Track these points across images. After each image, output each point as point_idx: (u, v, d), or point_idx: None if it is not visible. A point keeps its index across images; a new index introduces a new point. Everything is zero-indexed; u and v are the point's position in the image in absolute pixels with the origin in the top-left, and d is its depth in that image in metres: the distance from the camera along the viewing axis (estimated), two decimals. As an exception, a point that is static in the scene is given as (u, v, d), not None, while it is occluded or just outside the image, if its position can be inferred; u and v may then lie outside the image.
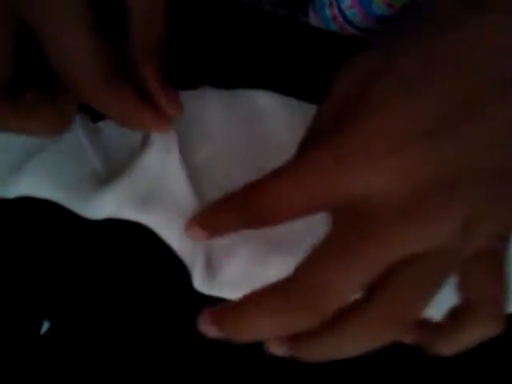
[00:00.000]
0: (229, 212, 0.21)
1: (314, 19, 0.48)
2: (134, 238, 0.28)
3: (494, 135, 0.18)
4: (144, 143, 0.27)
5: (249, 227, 0.21)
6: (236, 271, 0.27)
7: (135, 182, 0.26)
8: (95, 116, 0.28)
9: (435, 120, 0.18)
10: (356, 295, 0.19)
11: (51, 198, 0.26)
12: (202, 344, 0.27)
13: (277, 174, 0.20)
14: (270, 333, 0.19)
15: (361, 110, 0.19)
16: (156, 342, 0.27)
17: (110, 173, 0.27)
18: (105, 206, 0.26)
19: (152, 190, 0.27)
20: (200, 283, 0.27)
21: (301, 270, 0.19)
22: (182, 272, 0.28)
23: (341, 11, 0.39)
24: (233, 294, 0.27)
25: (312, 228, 0.27)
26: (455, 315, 0.21)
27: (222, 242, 0.27)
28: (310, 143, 0.21)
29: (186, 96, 0.28)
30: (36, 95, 0.20)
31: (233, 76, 0.29)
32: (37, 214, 0.28)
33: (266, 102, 0.29)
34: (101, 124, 0.28)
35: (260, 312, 0.19)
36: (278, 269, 0.27)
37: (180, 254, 0.27)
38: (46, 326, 0.27)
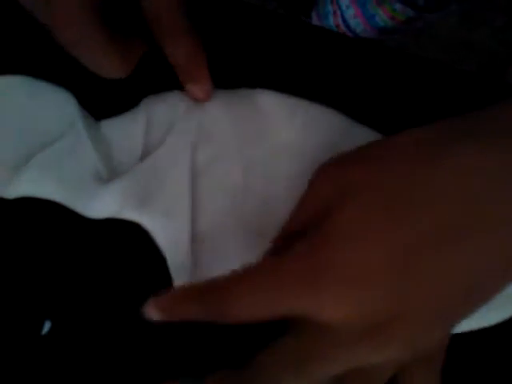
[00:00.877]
0: (188, 302, 0.22)
1: (316, 23, 0.48)
2: (136, 239, 0.28)
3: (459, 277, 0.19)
4: (147, 142, 0.28)
5: (207, 319, 0.22)
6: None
7: (141, 182, 0.27)
8: (97, 114, 0.28)
9: (408, 254, 0.19)
10: None
11: (52, 197, 0.26)
12: (204, 345, 0.27)
13: (249, 271, 0.22)
14: None
15: (338, 228, 0.20)
16: (158, 342, 0.27)
17: (111, 172, 0.27)
18: (108, 203, 0.26)
19: (157, 191, 0.27)
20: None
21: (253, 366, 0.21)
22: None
23: (344, 20, 0.40)
24: None
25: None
26: None
27: (218, 249, 0.27)
28: (286, 242, 0.23)
29: (186, 96, 0.28)
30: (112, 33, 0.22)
31: (234, 75, 0.29)
32: (38, 214, 0.28)
33: (267, 101, 0.29)
34: (103, 123, 0.28)
35: None
36: None
37: (168, 259, 0.27)
38: (47, 326, 0.27)
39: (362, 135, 0.28)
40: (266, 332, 0.22)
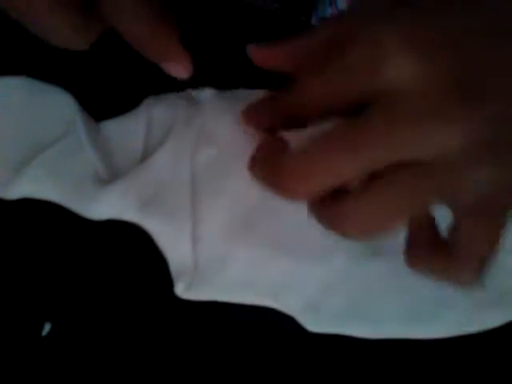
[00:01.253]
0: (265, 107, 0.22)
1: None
2: (136, 241, 0.28)
3: None
4: (148, 143, 0.28)
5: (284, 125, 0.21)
6: (236, 273, 0.27)
7: (143, 183, 0.27)
8: (97, 115, 0.28)
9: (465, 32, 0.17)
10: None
11: (53, 198, 0.26)
12: (201, 347, 0.27)
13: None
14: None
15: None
16: (158, 344, 0.27)
17: (111, 173, 0.27)
18: (108, 205, 0.26)
19: (158, 193, 0.27)
20: (183, 289, 0.27)
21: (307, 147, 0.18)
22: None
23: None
24: (232, 295, 0.27)
25: (312, 230, 0.27)
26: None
27: (219, 249, 0.27)
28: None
29: (186, 97, 0.28)
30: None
31: (234, 76, 0.29)
32: (38, 216, 0.28)
33: None
34: (103, 124, 0.28)
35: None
36: (279, 270, 0.27)
37: (169, 261, 0.27)
38: (47, 327, 0.27)
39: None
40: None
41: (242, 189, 0.28)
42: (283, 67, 0.22)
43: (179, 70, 0.23)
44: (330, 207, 0.19)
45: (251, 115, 0.24)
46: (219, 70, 0.29)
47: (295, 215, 0.28)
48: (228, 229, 0.27)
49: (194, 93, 0.28)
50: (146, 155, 0.27)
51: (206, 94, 0.29)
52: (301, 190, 0.19)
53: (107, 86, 0.29)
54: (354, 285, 0.27)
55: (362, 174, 0.18)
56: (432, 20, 0.18)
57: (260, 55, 0.23)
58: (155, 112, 0.27)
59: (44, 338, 0.27)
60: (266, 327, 0.28)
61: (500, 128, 0.17)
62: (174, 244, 0.27)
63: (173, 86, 0.28)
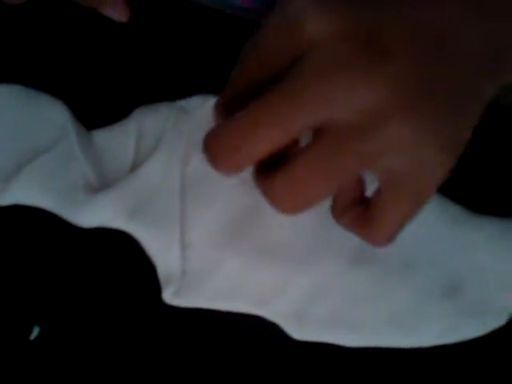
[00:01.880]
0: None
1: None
2: (125, 248, 0.28)
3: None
4: (138, 152, 0.28)
5: None
6: (224, 280, 0.28)
7: (132, 192, 0.27)
8: (89, 124, 0.29)
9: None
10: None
11: (43, 205, 0.27)
12: (190, 353, 0.28)
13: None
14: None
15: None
16: (146, 349, 0.28)
17: (102, 181, 0.27)
18: (98, 213, 0.27)
19: (147, 201, 0.27)
20: (171, 296, 0.27)
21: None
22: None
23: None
24: (219, 302, 0.28)
25: (299, 239, 0.28)
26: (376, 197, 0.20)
27: (207, 257, 0.28)
28: None
29: (176, 106, 0.29)
30: None
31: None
32: (29, 222, 0.28)
33: None
34: (94, 132, 0.28)
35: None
36: (266, 278, 0.28)
37: (157, 267, 0.27)
38: (36, 331, 0.27)
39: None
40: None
41: (231, 196, 0.28)
42: None
43: (116, 13, 0.24)
44: (263, 182, 0.19)
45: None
46: (211, 77, 0.29)
47: (283, 223, 0.28)
48: (216, 236, 0.28)
49: (182, 102, 0.29)
50: (136, 164, 0.28)
51: (195, 102, 0.29)
52: (227, 162, 0.19)
53: (99, 94, 0.29)
54: (339, 293, 0.27)
55: (285, 141, 0.18)
56: None
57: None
58: (145, 121, 0.28)
59: (32, 341, 0.27)
60: (253, 334, 0.28)
61: (410, 84, 0.17)
62: (162, 251, 0.27)
63: (164, 96, 0.29)
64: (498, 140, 0.29)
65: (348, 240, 0.27)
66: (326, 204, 0.27)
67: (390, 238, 0.20)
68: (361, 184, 0.21)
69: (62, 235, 0.28)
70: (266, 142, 0.18)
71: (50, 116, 0.28)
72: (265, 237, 0.28)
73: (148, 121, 0.28)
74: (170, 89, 0.30)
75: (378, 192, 0.19)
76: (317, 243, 0.28)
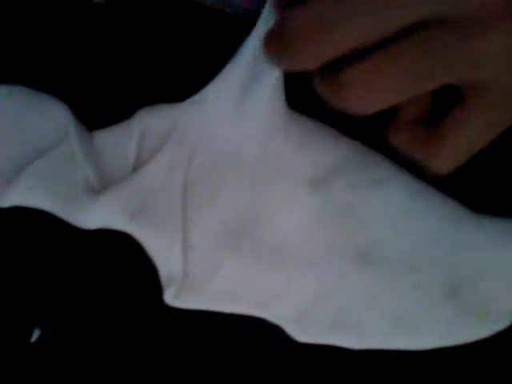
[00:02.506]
0: None
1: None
2: (126, 249, 0.28)
3: None
4: (140, 153, 0.28)
5: None
6: (226, 282, 0.27)
7: (134, 193, 0.27)
8: (91, 124, 0.28)
9: None
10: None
11: (44, 207, 0.26)
12: (191, 354, 0.28)
13: None
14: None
15: None
16: (147, 350, 0.28)
17: (103, 183, 0.27)
18: (99, 215, 0.26)
19: (149, 202, 0.27)
20: (173, 297, 0.27)
21: None
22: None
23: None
24: (222, 304, 0.28)
25: (303, 240, 0.28)
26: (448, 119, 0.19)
27: (209, 258, 0.27)
28: None
29: (183, 107, 0.28)
30: None
31: None
32: (29, 224, 0.28)
33: None
34: (96, 133, 0.28)
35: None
36: (269, 280, 0.27)
37: (159, 268, 0.27)
38: (36, 333, 0.27)
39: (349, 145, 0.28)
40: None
41: (234, 197, 0.28)
42: None
43: None
44: (333, 75, 0.17)
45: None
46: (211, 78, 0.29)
47: (286, 225, 0.28)
48: (218, 237, 0.28)
49: (190, 101, 0.28)
50: (137, 165, 0.27)
51: (205, 101, 0.28)
52: (307, 52, 0.16)
53: (102, 95, 0.29)
54: (342, 295, 0.27)
55: (372, 39, 0.16)
56: None
57: None
58: (149, 122, 0.28)
59: (33, 343, 0.27)
60: (256, 335, 0.28)
61: None
62: (164, 252, 0.27)
63: (165, 96, 0.29)
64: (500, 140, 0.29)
65: (351, 241, 0.27)
66: (328, 204, 0.28)
67: (455, 164, 0.19)
68: (429, 100, 0.20)
69: (63, 237, 0.28)
70: (357, 34, 0.16)
71: (52, 117, 0.27)
72: (267, 238, 0.28)
73: (152, 121, 0.28)
74: (172, 89, 0.29)
75: (451, 112, 0.18)
76: (320, 244, 0.27)
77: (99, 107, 0.29)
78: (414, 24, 0.16)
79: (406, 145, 0.20)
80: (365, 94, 0.17)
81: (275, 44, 0.17)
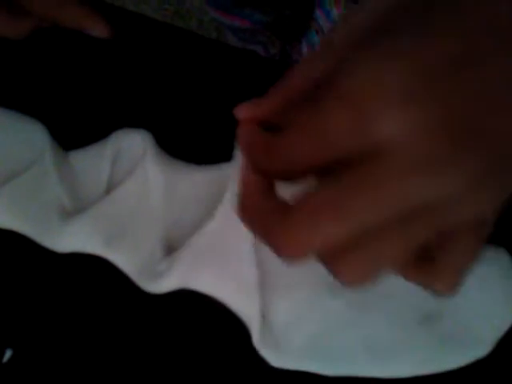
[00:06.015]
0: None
1: (306, 52, 0.49)
2: (96, 270, 0.28)
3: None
4: (113, 175, 0.28)
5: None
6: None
7: (107, 216, 0.27)
8: (68, 145, 0.29)
9: (447, 62, 0.17)
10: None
11: (17, 229, 0.27)
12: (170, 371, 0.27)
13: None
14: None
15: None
16: (123, 370, 0.27)
17: (76, 204, 0.27)
18: (72, 240, 0.26)
19: (124, 225, 0.27)
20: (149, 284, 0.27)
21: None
22: (146, 303, 0.28)
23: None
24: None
25: (278, 265, 0.27)
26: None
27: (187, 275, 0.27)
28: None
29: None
30: None
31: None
32: (3, 246, 0.28)
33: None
34: (71, 154, 0.28)
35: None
36: (247, 304, 0.27)
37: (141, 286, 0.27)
38: (8, 354, 0.27)
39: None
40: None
41: (218, 225, 0.28)
42: (271, 119, 0.22)
43: (98, 32, 0.26)
44: (329, 261, 0.19)
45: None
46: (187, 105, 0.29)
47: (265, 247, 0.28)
48: (197, 258, 0.27)
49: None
50: (110, 187, 0.27)
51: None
52: (292, 252, 0.18)
53: (79, 116, 0.29)
54: (316, 321, 0.27)
55: (355, 233, 0.17)
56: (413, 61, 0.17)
57: (245, 114, 0.22)
58: (122, 145, 0.28)
59: (4, 364, 0.27)
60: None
61: (492, 170, 0.17)
62: (142, 273, 0.27)
63: (143, 120, 0.29)
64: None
65: (324, 268, 0.27)
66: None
67: (458, 284, 0.20)
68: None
69: (35, 257, 0.28)
70: (337, 234, 0.17)
71: (29, 137, 0.28)
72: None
73: (125, 144, 0.28)
74: (150, 113, 0.30)
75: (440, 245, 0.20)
76: (294, 271, 0.27)
77: (76, 128, 0.29)
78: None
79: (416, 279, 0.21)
80: (360, 276, 0.18)
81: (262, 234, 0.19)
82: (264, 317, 0.27)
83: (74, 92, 0.30)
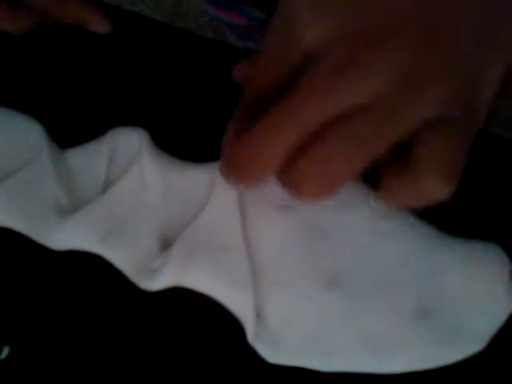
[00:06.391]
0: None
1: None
2: (93, 267, 0.28)
3: None
4: (110, 173, 0.28)
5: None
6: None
7: (104, 214, 0.27)
8: (64, 142, 0.29)
9: None
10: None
11: (14, 227, 0.27)
12: (166, 371, 0.28)
13: None
14: None
15: None
16: (119, 368, 0.27)
17: (73, 203, 0.28)
18: (70, 236, 0.26)
19: (120, 223, 0.27)
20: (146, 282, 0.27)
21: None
22: (142, 301, 0.28)
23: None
24: None
25: (276, 259, 0.27)
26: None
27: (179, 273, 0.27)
28: None
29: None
30: None
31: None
32: (1, 243, 0.28)
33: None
34: (68, 152, 0.28)
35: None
36: (244, 299, 0.27)
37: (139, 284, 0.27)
38: (5, 351, 0.27)
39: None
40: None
41: (212, 216, 0.28)
42: None
43: (97, 27, 0.26)
44: (288, 171, 0.19)
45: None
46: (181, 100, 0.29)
47: (260, 243, 0.28)
48: (195, 243, 0.27)
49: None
50: (107, 184, 0.28)
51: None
52: (251, 171, 0.19)
53: (76, 113, 0.29)
54: (313, 316, 0.27)
55: (306, 134, 0.18)
56: None
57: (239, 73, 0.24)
58: (119, 142, 0.28)
59: (2, 361, 0.27)
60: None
61: (420, 55, 0.17)
62: (140, 271, 0.27)
63: (140, 117, 0.29)
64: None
65: (320, 264, 0.27)
66: (297, 227, 0.27)
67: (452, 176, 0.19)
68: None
69: (32, 255, 0.28)
70: (286, 143, 0.18)
71: (25, 135, 0.28)
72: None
73: (121, 142, 0.28)
74: (147, 111, 0.30)
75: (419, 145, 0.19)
76: (290, 267, 0.27)
77: (73, 126, 0.29)
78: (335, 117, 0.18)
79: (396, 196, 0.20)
80: (317, 181, 0.19)
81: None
82: (259, 313, 0.27)
83: (70, 90, 0.30)
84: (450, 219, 0.28)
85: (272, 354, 0.27)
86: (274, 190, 0.27)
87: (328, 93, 0.18)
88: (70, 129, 0.29)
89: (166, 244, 0.28)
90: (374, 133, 0.18)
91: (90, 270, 0.28)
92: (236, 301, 0.27)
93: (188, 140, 0.30)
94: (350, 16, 0.18)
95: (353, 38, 0.17)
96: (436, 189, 0.19)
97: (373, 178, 0.21)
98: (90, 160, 0.28)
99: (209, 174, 0.28)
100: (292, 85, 0.18)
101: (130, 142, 0.28)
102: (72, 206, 0.27)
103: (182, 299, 0.28)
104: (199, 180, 0.28)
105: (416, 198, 0.20)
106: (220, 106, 0.30)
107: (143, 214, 0.27)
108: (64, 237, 0.26)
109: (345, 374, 0.26)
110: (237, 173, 0.20)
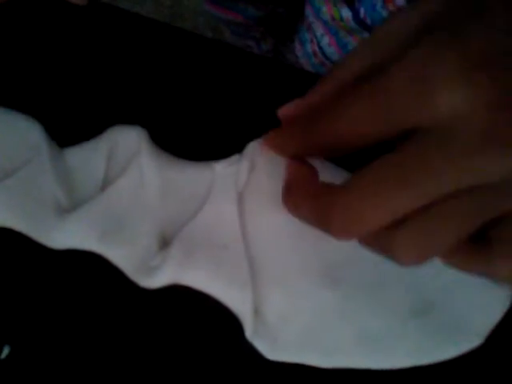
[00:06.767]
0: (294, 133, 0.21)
1: (298, 50, 0.49)
2: (92, 266, 0.28)
3: None
4: (109, 171, 0.28)
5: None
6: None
7: (103, 213, 0.27)
8: (63, 141, 0.29)
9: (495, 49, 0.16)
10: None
11: (13, 226, 0.27)
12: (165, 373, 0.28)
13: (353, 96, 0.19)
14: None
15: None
16: (119, 366, 0.28)
17: (72, 201, 0.28)
18: (69, 235, 0.27)
19: (119, 222, 0.27)
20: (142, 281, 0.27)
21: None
22: (141, 299, 0.28)
23: (320, 48, 0.41)
24: None
25: (274, 256, 0.28)
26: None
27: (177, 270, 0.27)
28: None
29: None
30: None
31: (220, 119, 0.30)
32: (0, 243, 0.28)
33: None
34: (66, 151, 0.28)
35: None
36: (242, 296, 0.27)
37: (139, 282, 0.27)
38: (5, 351, 0.27)
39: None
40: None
41: (210, 214, 0.28)
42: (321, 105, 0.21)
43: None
44: (385, 239, 0.18)
45: (277, 140, 0.23)
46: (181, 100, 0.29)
47: (260, 240, 0.28)
48: (187, 253, 0.28)
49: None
50: (106, 183, 0.28)
51: None
52: (354, 229, 0.18)
53: (74, 112, 0.29)
54: (310, 313, 0.27)
55: (418, 207, 0.17)
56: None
57: (287, 112, 0.22)
58: (118, 141, 0.28)
59: (2, 361, 0.27)
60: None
61: None
62: (138, 267, 0.27)
63: (139, 115, 0.29)
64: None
65: (317, 260, 0.27)
66: (294, 223, 0.27)
67: None
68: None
69: (32, 254, 0.28)
70: (404, 207, 0.17)
71: (24, 134, 0.28)
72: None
73: (120, 140, 0.28)
74: (145, 110, 0.30)
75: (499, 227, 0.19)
76: (288, 262, 0.27)
77: (72, 124, 0.29)
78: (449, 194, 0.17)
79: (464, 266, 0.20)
80: (417, 253, 0.18)
81: (317, 216, 0.19)
82: (257, 309, 0.27)
83: (69, 89, 0.30)
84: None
85: (270, 351, 0.27)
86: (272, 189, 0.27)
87: (466, 167, 0.16)
88: (70, 128, 0.29)
89: (164, 242, 0.28)
90: (489, 208, 0.17)
91: (89, 268, 0.28)
92: (234, 298, 0.27)
93: (187, 139, 0.30)
94: (503, 87, 0.16)
95: (497, 109, 0.16)
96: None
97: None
98: (88, 158, 0.28)
99: (208, 173, 0.28)
100: (410, 146, 0.17)
101: (128, 140, 0.28)
102: (71, 205, 0.27)
103: (181, 297, 0.28)
104: (198, 178, 0.28)
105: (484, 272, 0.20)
106: (219, 105, 0.30)
107: (142, 212, 0.28)
108: (63, 236, 0.27)
109: (343, 370, 0.27)
110: (324, 226, 0.19)
